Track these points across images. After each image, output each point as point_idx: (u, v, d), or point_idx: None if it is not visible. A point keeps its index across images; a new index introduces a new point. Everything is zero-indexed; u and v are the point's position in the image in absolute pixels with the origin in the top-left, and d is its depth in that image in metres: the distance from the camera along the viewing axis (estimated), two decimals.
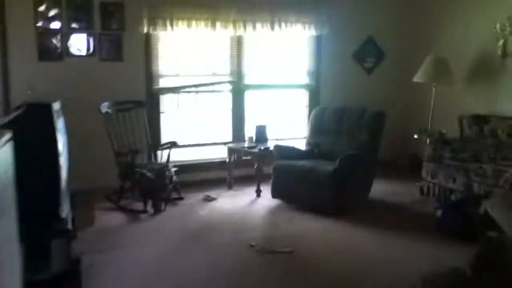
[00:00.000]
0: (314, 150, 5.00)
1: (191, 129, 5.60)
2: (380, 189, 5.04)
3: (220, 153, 5.59)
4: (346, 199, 4.39)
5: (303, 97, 6.18)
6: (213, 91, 5.69)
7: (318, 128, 5.21)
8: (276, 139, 5.80)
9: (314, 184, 4.39)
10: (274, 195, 4.74)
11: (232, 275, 3.21)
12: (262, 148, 5.02)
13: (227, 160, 5.32)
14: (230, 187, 5.35)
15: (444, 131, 5.39)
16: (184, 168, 5.28)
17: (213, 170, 5.55)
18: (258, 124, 5.58)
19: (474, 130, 5.12)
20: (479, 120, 5.11)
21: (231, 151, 5.32)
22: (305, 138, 5.54)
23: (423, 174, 5.01)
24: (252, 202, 4.89)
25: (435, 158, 4.91)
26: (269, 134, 5.62)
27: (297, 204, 4.62)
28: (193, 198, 4.94)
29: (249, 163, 5.25)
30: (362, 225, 4.15)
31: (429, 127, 5.55)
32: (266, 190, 4.90)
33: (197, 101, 5.61)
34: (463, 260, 1.97)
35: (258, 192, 5.04)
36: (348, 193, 4.40)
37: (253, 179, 5.11)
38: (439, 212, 3.84)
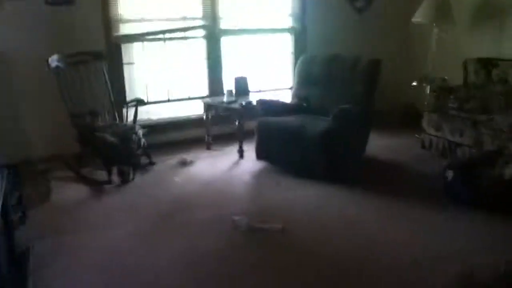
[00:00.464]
0: (303, 103, 4.39)
1: (161, 83, 4.90)
2: (375, 144, 4.51)
3: (196, 110, 4.95)
4: (341, 161, 3.85)
5: (288, 42, 5.48)
6: (184, 38, 4.93)
7: (306, 79, 4.57)
8: (259, 91, 5.17)
9: (304, 144, 3.83)
10: (259, 156, 4.18)
11: (213, 260, 2.69)
12: (243, 103, 4.38)
13: (204, 117, 4.69)
14: (208, 147, 4.76)
15: (446, 77, 4.82)
16: (155, 128, 4.64)
17: (188, 129, 4.92)
18: (238, 75, 4.91)
19: (481, 76, 4.57)
20: (486, 64, 4.54)
21: (208, 107, 4.67)
22: (291, 89, 4.91)
23: (424, 125, 4.49)
24: (234, 165, 4.32)
25: (438, 108, 4.37)
26: (251, 86, 4.98)
27: (285, 166, 4.08)
28: (166, 163, 4.34)
29: (229, 119, 4.62)
30: (360, 192, 3.63)
31: (429, 73, 4.96)
32: (250, 150, 4.33)
33: (166, 50, 4.86)
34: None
35: (241, 153, 4.47)
36: (342, 154, 3.85)
37: (235, 137, 4.51)
38: (449, 174, 3.33)
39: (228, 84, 4.97)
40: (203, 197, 3.61)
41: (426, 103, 4.81)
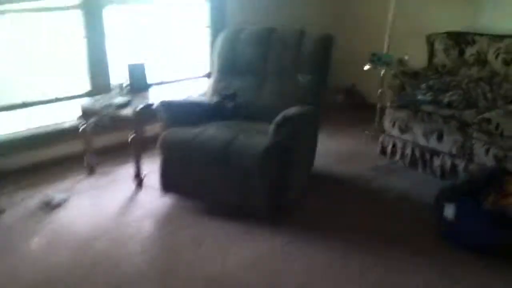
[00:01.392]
0: (227, 103, 3.05)
1: (12, 79, 3.25)
2: (323, 149, 3.32)
3: (72, 114, 3.39)
4: (287, 190, 2.62)
5: (201, 12, 4.05)
6: (46, 9, 3.30)
7: (230, 65, 3.21)
8: (162, 83, 3.75)
9: (235, 169, 2.53)
10: (166, 187, 2.79)
11: None
12: (139, 107, 2.93)
13: (81, 127, 3.17)
14: (91, 171, 3.27)
15: (406, 57, 3.74)
16: (6, 147, 3.04)
17: (59, 144, 3.36)
18: (132, 62, 3.42)
19: (452, 56, 3.54)
20: (459, 40, 3.52)
21: (86, 114, 3.14)
22: (208, 77, 3.51)
23: (385, 124, 3.39)
24: (129, 202, 2.88)
25: (406, 101, 3.28)
26: (151, 76, 3.53)
27: (205, 203, 2.76)
28: (20, 208, 2.79)
29: (121, 123, 3.14)
30: (319, 240, 2.45)
31: (385, 51, 3.85)
32: (153, 172, 2.94)
33: (18, 28, 3.21)
34: None
35: (139, 181, 3.05)
36: (290, 179, 2.62)
37: (129, 150, 3.06)
38: (449, 210, 2.26)
39: (119, 75, 3.47)
40: (76, 276, 2.17)
41: (380, 91, 3.74)
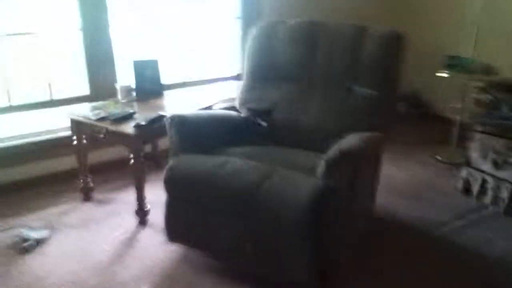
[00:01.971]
0: (259, 122, 2.27)
1: None
2: (383, 178, 2.46)
3: (65, 122, 2.71)
4: (339, 251, 1.83)
5: (230, 2, 3.29)
6: None
7: (265, 69, 2.42)
8: (180, 86, 3.03)
9: (264, 225, 1.76)
10: (172, 236, 2.05)
11: None
12: (144, 122, 2.20)
13: (75, 141, 2.48)
14: (87, 196, 2.59)
15: (495, 65, 2.85)
16: None
17: (48, 159, 2.70)
18: (139, 58, 2.71)
19: None
20: None
21: (78, 127, 2.44)
22: (237, 79, 2.72)
23: (472, 154, 2.53)
24: (125, 250, 2.16)
25: (504, 124, 2.41)
26: (166, 76, 2.82)
27: (224, 261, 2.01)
28: None
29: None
30: None
31: (467, 54, 2.97)
32: (160, 200, 2.18)
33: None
34: None
35: (142, 216, 2.34)
36: (343, 237, 1.83)
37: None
38: None
39: (126, 75, 2.78)
40: None
41: (461, 106, 2.87)
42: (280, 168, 1.87)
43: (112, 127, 2.22)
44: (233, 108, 2.50)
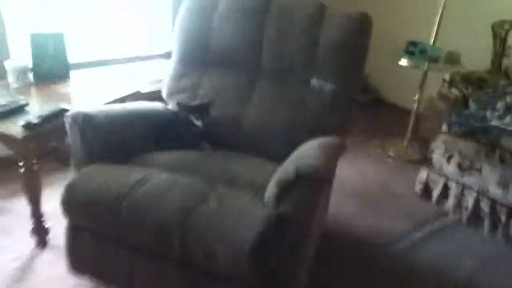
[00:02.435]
0: (191, 119, 1.78)
1: None
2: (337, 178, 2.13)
3: None
4: (289, 285, 1.46)
5: None
6: None
7: (200, 51, 1.93)
8: (93, 65, 2.48)
9: (196, 268, 1.34)
10: (75, 268, 1.57)
11: None
12: (37, 120, 1.65)
13: None
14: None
15: (457, 51, 2.58)
16: None
17: None
18: (38, 31, 2.12)
19: None
20: None
21: None
22: (168, 66, 2.19)
23: (435, 156, 2.24)
24: (16, 284, 1.66)
25: (471, 124, 2.14)
26: (74, 53, 2.26)
27: None
28: None
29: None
30: None
31: (432, 40, 2.66)
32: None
33: None
34: None
35: (40, 237, 1.82)
36: (295, 268, 1.45)
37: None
38: None
39: (22, 52, 2.18)
40: None
41: (417, 97, 2.60)
42: (219, 187, 1.44)
43: None
44: (159, 98, 2.01)
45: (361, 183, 2.53)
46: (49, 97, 1.92)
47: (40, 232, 1.82)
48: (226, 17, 1.87)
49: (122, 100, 2.03)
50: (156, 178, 1.45)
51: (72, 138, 1.57)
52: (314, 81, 1.78)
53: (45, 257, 1.79)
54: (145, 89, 2.28)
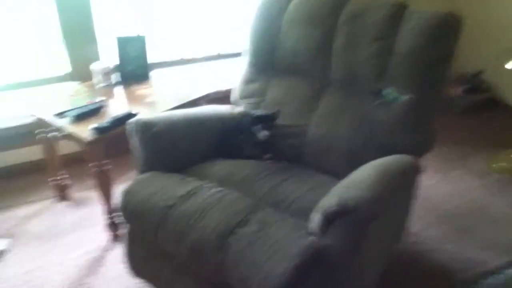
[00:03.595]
0: (256, 131, 1.70)
1: None
2: (419, 195, 1.84)
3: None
4: None
5: None
6: None
7: (267, 56, 1.85)
8: (173, 64, 2.55)
9: None
10: (134, 271, 1.63)
11: None
12: (107, 123, 1.74)
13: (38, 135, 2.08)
14: (61, 195, 2.23)
15: None
16: None
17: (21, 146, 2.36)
18: (123, 34, 2.23)
19: None
20: None
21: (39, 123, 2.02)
22: (242, 57, 2.12)
23: None
24: (85, 277, 1.79)
25: None
26: (156, 54, 2.36)
27: None
28: None
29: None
30: None
31: None
32: None
33: None
34: None
35: (114, 231, 1.94)
36: None
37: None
38: None
39: (109, 53, 2.32)
40: None
41: None
42: (265, 207, 1.37)
43: (68, 128, 1.78)
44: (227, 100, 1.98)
45: (453, 203, 2.23)
46: (129, 98, 2.02)
47: (112, 228, 1.94)
48: (294, 22, 1.76)
49: (195, 102, 2.05)
50: (203, 191, 1.43)
51: (133, 144, 1.62)
52: (386, 92, 1.58)
53: (115, 252, 1.89)
54: (224, 87, 2.27)
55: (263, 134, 1.67)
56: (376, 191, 1.20)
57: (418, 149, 1.57)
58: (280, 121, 1.72)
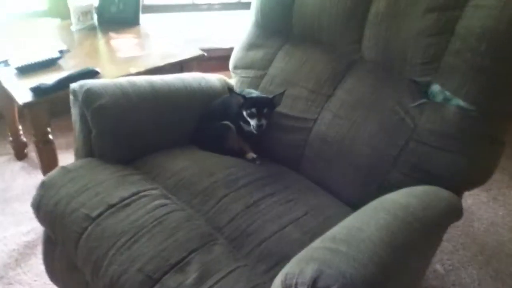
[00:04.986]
0: (249, 117, 1.23)
1: None
2: (461, 223, 1.42)
3: None
4: None
5: None
6: None
7: (277, 20, 1.34)
8: (171, 8, 2.07)
9: None
10: (51, 277, 1.24)
11: None
12: (52, 82, 1.32)
13: None
14: (18, 154, 1.89)
15: None
16: None
17: None
18: None
19: None
20: None
21: None
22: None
23: None
24: (19, 261, 1.45)
25: None
26: None
27: None
28: None
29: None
30: None
31: None
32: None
33: None
34: None
35: None
36: None
37: None
38: None
39: None
40: None
41: None
42: (224, 241, 0.94)
43: (6, 81, 1.37)
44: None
45: (498, 240, 1.70)
46: (98, 50, 1.58)
47: None
48: None
49: (182, 63, 1.58)
50: (143, 202, 1.01)
51: (73, 119, 1.20)
52: (435, 90, 1.05)
53: None
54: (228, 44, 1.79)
55: (256, 124, 1.19)
56: (382, 266, 0.72)
57: (469, 179, 1.06)
58: (282, 108, 1.24)
